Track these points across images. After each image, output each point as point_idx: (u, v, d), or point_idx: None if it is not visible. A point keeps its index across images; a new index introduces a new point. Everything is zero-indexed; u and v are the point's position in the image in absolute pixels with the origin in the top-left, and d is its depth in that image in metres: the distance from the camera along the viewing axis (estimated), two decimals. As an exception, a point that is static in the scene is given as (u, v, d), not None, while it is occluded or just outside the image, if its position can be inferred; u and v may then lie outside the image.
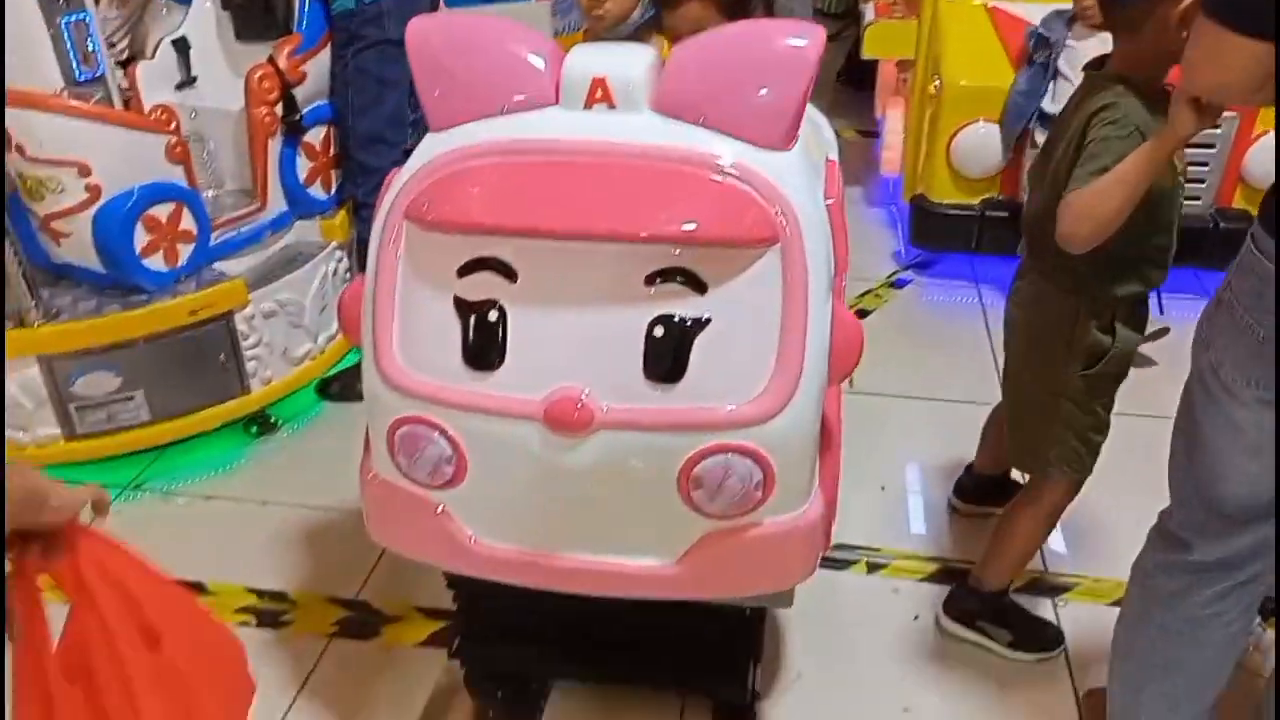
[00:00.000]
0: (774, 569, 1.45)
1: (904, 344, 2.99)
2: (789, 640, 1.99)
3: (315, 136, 2.68)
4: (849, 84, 4.82)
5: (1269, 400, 1.31)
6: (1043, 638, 1.99)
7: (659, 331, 1.28)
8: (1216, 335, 1.39)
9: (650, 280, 1.27)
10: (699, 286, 1.27)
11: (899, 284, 3.39)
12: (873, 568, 2.19)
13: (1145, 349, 2.25)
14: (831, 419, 1.46)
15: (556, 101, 1.34)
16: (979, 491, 2.32)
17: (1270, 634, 1.88)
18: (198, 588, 2.11)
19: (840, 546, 2.19)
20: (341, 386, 2.75)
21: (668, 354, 1.28)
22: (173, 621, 1.06)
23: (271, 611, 2.08)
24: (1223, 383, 1.37)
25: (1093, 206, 1.52)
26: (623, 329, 1.28)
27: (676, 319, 1.28)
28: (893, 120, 3.51)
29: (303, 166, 2.68)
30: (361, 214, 2.72)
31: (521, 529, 1.41)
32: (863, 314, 3.19)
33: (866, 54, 3.70)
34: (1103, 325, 1.72)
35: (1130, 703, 1.64)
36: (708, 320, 1.28)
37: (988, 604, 1.99)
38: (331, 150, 2.74)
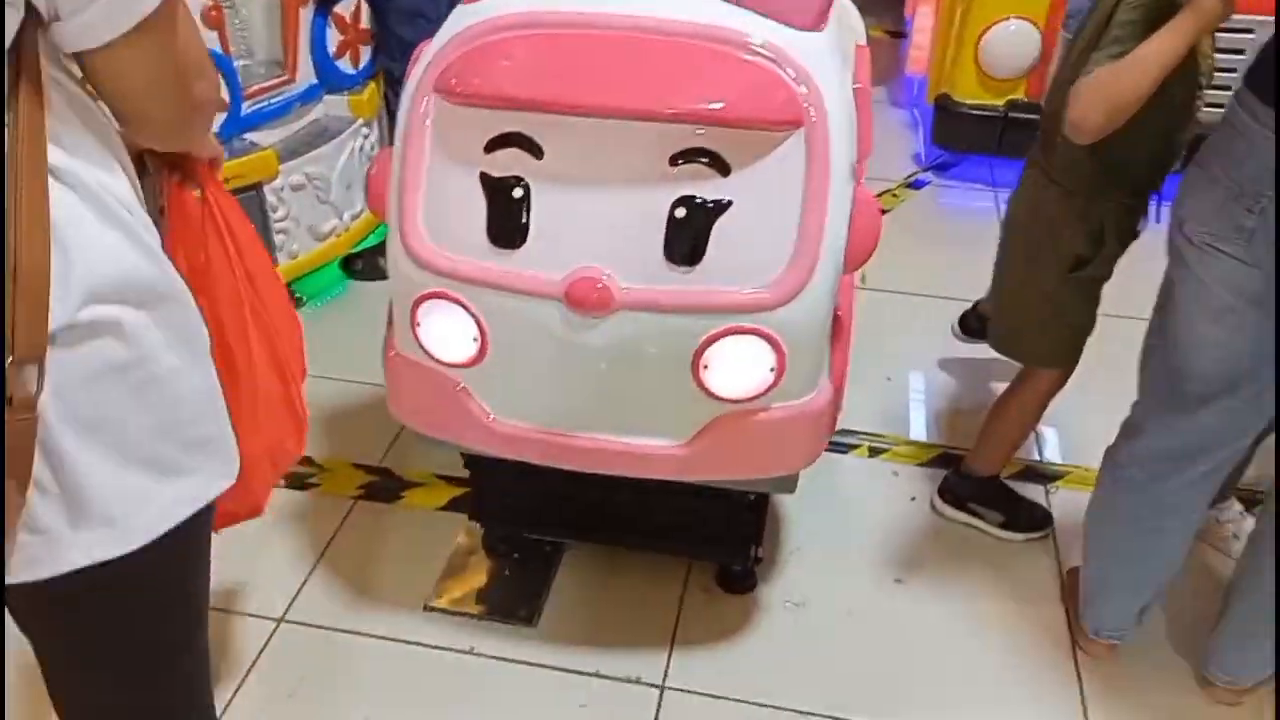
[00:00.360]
0: (780, 453, 1.45)
1: (918, 244, 2.92)
2: (790, 516, 2.01)
3: (346, 9, 2.56)
4: None
5: (1232, 255, 1.30)
6: (1031, 519, 2.01)
7: (680, 213, 1.24)
8: (1188, 192, 1.37)
9: (675, 160, 1.23)
10: (722, 168, 1.24)
11: (917, 185, 3.30)
12: (874, 452, 2.21)
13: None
14: (844, 309, 1.44)
15: None
16: (980, 328, 2.32)
17: (1250, 521, 1.89)
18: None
19: (844, 431, 2.20)
20: (365, 265, 2.72)
21: (688, 236, 1.25)
22: (261, 271, 1.17)
23: (298, 474, 2.09)
24: (1187, 236, 1.36)
25: (1107, 91, 1.39)
26: (645, 209, 1.25)
27: (698, 200, 1.24)
28: (922, 18, 3.35)
29: (332, 39, 2.57)
30: (396, 89, 2.64)
31: (538, 408, 1.41)
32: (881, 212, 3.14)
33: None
34: (1092, 231, 1.66)
35: (1099, 587, 1.68)
36: (729, 203, 1.24)
37: (979, 488, 1.99)
38: (361, 24, 2.64)
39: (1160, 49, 1.36)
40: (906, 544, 1.98)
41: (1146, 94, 1.38)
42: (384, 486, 2.09)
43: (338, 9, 2.55)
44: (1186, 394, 1.43)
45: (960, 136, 3.16)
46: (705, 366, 1.31)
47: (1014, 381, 1.94)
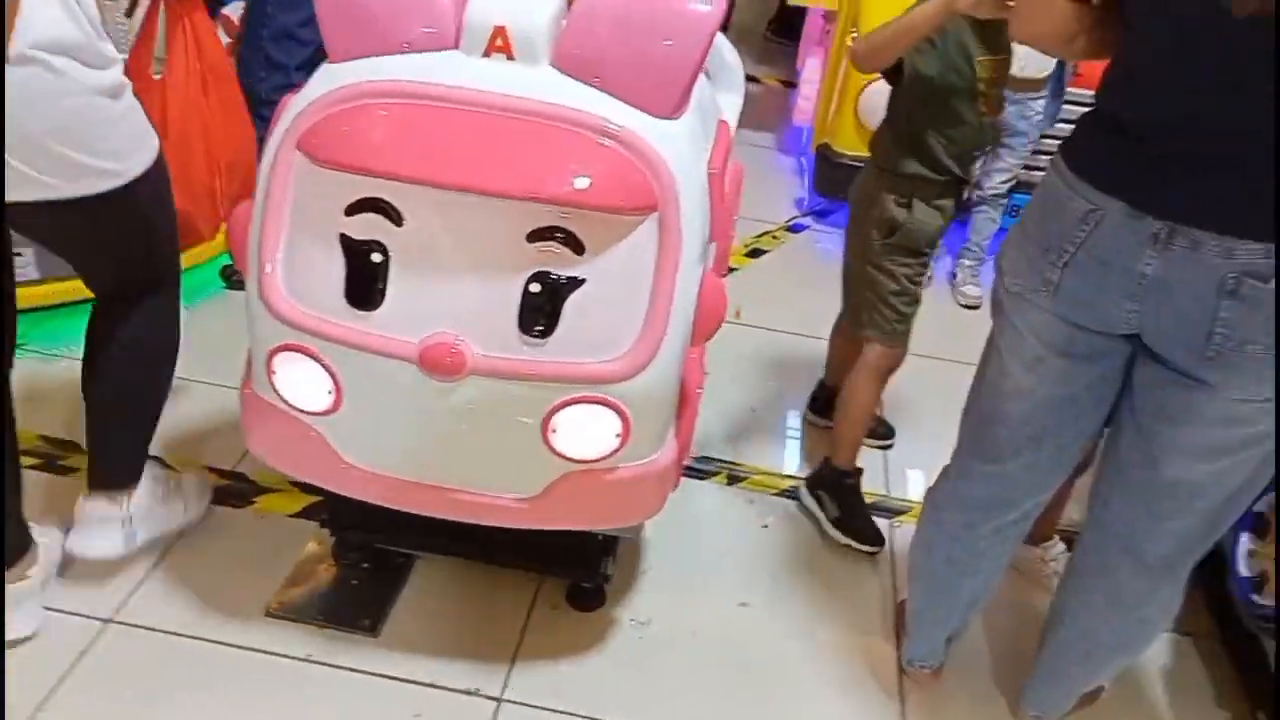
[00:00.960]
0: (624, 508, 1.52)
1: (791, 285, 3.05)
2: (645, 538, 2.08)
3: (234, 10, 2.52)
4: (780, 34, 4.74)
5: (1040, 306, 1.39)
6: (863, 530, 2.12)
7: (535, 287, 1.29)
8: (1007, 246, 1.48)
9: (531, 237, 1.28)
10: (577, 247, 1.29)
11: (795, 229, 3.43)
12: (733, 479, 2.29)
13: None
14: (691, 377, 1.51)
15: (457, 45, 1.31)
16: (830, 405, 2.43)
17: (1061, 548, 2.09)
18: (72, 446, 2.08)
19: (705, 459, 2.30)
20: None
21: (542, 310, 1.30)
22: (218, 85, 1.60)
23: (145, 475, 2.06)
24: (1005, 288, 1.46)
25: (872, 36, 1.84)
26: (501, 282, 1.29)
27: (553, 276, 1.29)
28: (810, 70, 3.48)
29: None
30: (262, 112, 2.59)
31: (391, 458, 1.44)
32: (758, 253, 3.25)
33: (793, 0, 3.64)
34: (900, 201, 1.94)
35: (915, 619, 1.80)
36: (582, 280, 1.30)
37: (834, 477, 2.14)
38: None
39: (916, 14, 1.73)
40: (755, 569, 2.06)
41: (897, 46, 1.78)
42: (236, 490, 2.06)
43: (226, 10, 2.51)
44: (997, 443, 1.53)
45: (839, 185, 3.21)
46: (554, 430, 1.36)
47: (854, 367, 2.10)
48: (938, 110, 1.87)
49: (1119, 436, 1.46)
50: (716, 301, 1.41)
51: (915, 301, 2.03)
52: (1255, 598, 1.74)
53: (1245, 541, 1.78)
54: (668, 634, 1.89)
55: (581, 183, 1.26)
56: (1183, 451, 1.35)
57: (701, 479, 2.27)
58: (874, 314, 2.03)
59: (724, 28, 4.60)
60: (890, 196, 1.95)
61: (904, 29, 1.76)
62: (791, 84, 4.26)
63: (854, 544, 2.11)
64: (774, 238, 3.34)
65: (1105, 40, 1.30)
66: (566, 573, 1.87)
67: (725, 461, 2.33)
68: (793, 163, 3.86)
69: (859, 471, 2.17)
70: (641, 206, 1.29)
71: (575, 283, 1.30)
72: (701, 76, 1.45)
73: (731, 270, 3.11)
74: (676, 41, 1.32)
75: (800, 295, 2.97)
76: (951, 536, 1.65)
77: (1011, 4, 1.46)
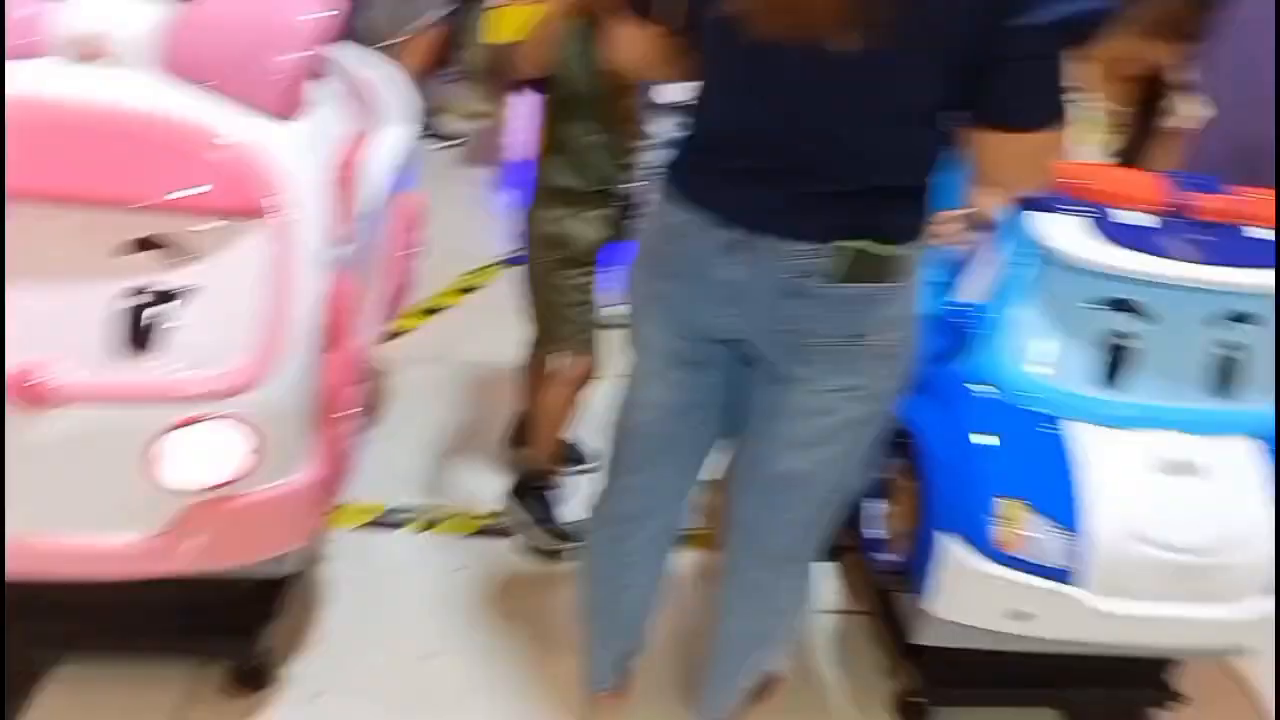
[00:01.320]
0: (263, 538, 1.48)
1: (499, 320, 3.03)
2: (328, 601, 2.04)
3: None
4: None
5: (655, 319, 1.51)
6: (560, 532, 2.25)
7: (132, 301, 1.27)
8: (633, 265, 1.58)
9: (126, 248, 1.27)
10: (179, 256, 1.28)
11: (512, 262, 3.55)
12: (427, 525, 2.31)
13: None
14: (335, 387, 1.51)
15: (48, 53, 1.31)
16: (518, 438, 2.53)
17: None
18: None
19: (393, 511, 2.31)
20: None
21: (139, 325, 1.28)
22: None
23: None
24: (630, 304, 1.57)
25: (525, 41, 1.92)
26: (91, 298, 1.27)
27: (151, 288, 1.28)
28: (519, 105, 3.63)
29: None
30: None
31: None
32: (469, 290, 3.33)
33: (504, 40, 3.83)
34: (558, 217, 2.05)
35: (582, 641, 1.87)
36: (186, 290, 1.29)
37: (532, 483, 2.29)
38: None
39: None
40: (444, 617, 2.06)
41: (537, 37, 1.89)
42: None
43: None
44: (631, 455, 1.64)
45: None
46: (164, 456, 1.33)
47: (548, 382, 2.20)
48: (580, 117, 1.97)
49: (742, 438, 1.60)
50: (343, 305, 1.43)
51: (591, 308, 2.17)
52: (879, 555, 1.98)
53: (872, 507, 2.03)
54: (340, 703, 1.84)
55: (181, 187, 1.26)
56: (787, 444, 1.51)
57: (392, 529, 2.27)
58: (557, 328, 2.15)
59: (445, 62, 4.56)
60: (547, 211, 2.07)
61: (539, 29, 1.89)
62: (516, 122, 4.44)
63: (551, 545, 2.23)
64: (486, 273, 3.43)
65: (694, 67, 1.44)
66: (217, 653, 1.78)
67: (419, 507, 2.34)
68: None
69: (555, 474, 2.30)
70: (247, 209, 1.30)
71: (178, 294, 1.29)
72: (334, 81, 1.52)
73: (439, 309, 3.18)
74: (282, 47, 1.36)
75: (506, 329, 2.92)
76: (604, 553, 1.74)
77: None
